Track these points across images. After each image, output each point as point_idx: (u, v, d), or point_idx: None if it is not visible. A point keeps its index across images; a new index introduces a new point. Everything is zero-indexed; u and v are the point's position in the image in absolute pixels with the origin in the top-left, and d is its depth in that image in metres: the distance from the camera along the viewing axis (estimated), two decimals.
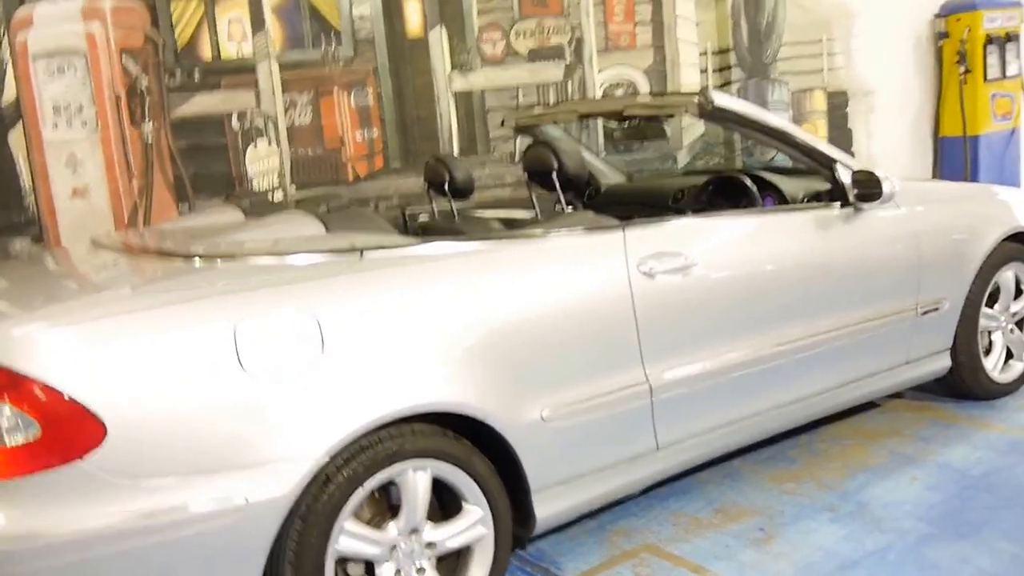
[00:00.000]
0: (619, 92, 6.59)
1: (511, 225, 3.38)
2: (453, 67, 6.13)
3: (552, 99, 6.38)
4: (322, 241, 2.78)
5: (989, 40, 8.18)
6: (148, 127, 5.18)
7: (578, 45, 6.44)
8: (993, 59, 8.25)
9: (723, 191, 3.99)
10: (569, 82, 6.43)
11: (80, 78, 4.97)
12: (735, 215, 3.55)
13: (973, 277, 4.01)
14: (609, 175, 4.86)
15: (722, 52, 7.16)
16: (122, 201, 5.11)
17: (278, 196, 5.62)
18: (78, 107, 5.00)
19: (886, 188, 3.58)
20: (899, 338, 3.82)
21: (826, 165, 3.66)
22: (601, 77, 6.53)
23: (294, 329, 2.42)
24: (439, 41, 6.06)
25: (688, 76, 6.83)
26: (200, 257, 2.67)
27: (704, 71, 7.05)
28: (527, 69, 6.34)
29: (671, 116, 3.95)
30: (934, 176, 8.35)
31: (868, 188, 3.59)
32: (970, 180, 7.96)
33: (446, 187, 3.78)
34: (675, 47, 6.73)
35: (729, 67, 7.17)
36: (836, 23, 7.70)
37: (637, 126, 3.97)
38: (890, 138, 8.12)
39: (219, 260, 2.65)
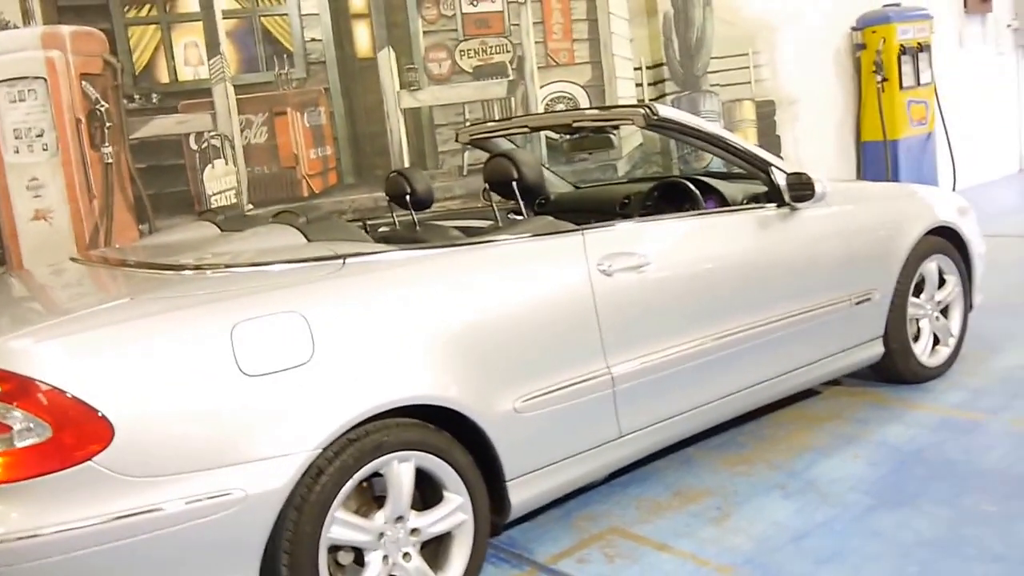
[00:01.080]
0: (560, 106, 6.75)
1: (473, 233, 3.45)
2: (402, 86, 6.28)
3: (497, 114, 6.53)
4: (307, 249, 2.87)
5: (903, 51, 8.53)
6: (108, 150, 5.20)
7: (520, 63, 6.64)
8: (908, 68, 8.61)
9: (668, 196, 4.15)
10: (512, 98, 6.60)
11: (41, 103, 4.99)
12: (682, 217, 3.68)
13: (900, 269, 4.19)
14: (557, 184, 4.99)
15: (656, 66, 7.35)
16: (83, 223, 5.12)
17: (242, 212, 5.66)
18: (39, 131, 5.02)
19: (818, 189, 3.75)
20: (836, 327, 3.98)
21: (762, 169, 3.83)
22: (542, 92, 6.72)
23: (287, 332, 2.52)
24: (388, 62, 6.20)
25: (624, 90, 7.02)
26: (194, 268, 2.77)
27: (639, 85, 7.25)
28: (472, 86, 6.52)
29: (617, 128, 4.09)
30: (858, 178, 8.66)
31: (802, 189, 3.75)
32: (891, 181, 8.28)
33: (407, 199, 3.89)
34: (611, 63, 6.93)
35: (663, 80, 7.36)
36: (761, 37, 7.95)
37: (586, 138, 4.09)
38: (816, 143, 8.40)
39: (209, 271, 2.74)
